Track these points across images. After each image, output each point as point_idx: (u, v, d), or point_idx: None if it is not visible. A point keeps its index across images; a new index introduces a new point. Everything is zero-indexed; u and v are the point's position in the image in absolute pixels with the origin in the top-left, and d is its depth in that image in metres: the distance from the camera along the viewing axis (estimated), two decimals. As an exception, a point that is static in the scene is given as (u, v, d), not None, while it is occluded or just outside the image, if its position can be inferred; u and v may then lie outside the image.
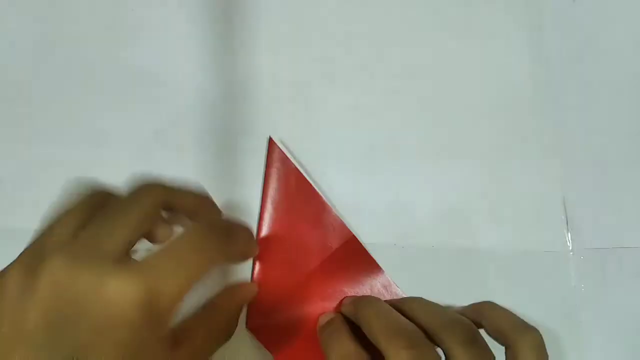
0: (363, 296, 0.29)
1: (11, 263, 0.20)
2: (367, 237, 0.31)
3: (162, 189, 0.22)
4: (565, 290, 0.31)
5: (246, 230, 0.25)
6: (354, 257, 0.30)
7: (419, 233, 0.31)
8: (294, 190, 0.30)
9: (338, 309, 0.29)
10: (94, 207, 0.21)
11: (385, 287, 0.30)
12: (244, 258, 0.27)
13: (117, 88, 0.32)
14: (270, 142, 0.31)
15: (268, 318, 0.28)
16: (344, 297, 0.30)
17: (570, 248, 0.32)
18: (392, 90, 0.34)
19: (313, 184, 0.31)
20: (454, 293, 0.30)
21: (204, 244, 0.21)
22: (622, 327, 0.31)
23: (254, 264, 0.29)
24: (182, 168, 0.31)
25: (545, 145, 0.33)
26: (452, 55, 0.35)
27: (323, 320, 0.28)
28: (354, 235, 0.30)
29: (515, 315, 0.25)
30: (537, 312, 0.31)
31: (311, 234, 0.30)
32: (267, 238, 0.30)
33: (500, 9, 0.36)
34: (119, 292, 0.18)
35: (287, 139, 0.32)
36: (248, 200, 0.31)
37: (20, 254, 0.20)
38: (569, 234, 0.32)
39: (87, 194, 0.22)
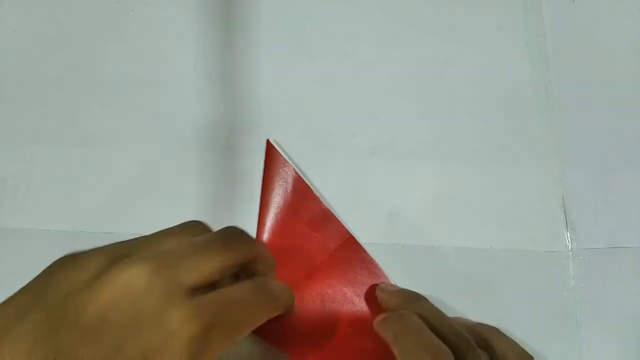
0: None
1: (99, 248, 0.20)
2: (367, 237, 0.31)
3: (251, 252, 0.23)
4: (565, 290, 0.31)
5: (291, 292, 0.26)
6: (353, 257, 0.30)
7: (419, 233, 0.31)
8: (292, 192, 0.30)
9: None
10: (192, 236, 0.22)
11: (384, 287, 0.30)
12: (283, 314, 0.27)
13: (117, 88, 0.32)
14: (268, 145, 0.31)
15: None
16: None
17: (570, 248, 0.32)
18: (392, 90, 0.34)
19: (312, 185, 0.31)
20: (454, 293, 0.30)
21: (257, 306, 0.22)
22: (621, 327, 0.31)
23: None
24: (182, 168, 0.31)
25: (545, 145, 0.33)
26: (452, 55, 0.35)
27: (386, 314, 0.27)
28: (352, 235, 0.30)
29: (519, 345, 0.27)
30: (537, 311, 0.31)
31: (310, 235, 0.30)
32: (266, 240, 0.30)
33: (500, 10, 0.36)
34: (180, 324, 0.18)
35: (287, 139, 0.32)
36: (248, 200, 0.31)
37: (111, 245, 0.21)
38: (569, 234, 0.32)
39: (190, 225, 0.23)
